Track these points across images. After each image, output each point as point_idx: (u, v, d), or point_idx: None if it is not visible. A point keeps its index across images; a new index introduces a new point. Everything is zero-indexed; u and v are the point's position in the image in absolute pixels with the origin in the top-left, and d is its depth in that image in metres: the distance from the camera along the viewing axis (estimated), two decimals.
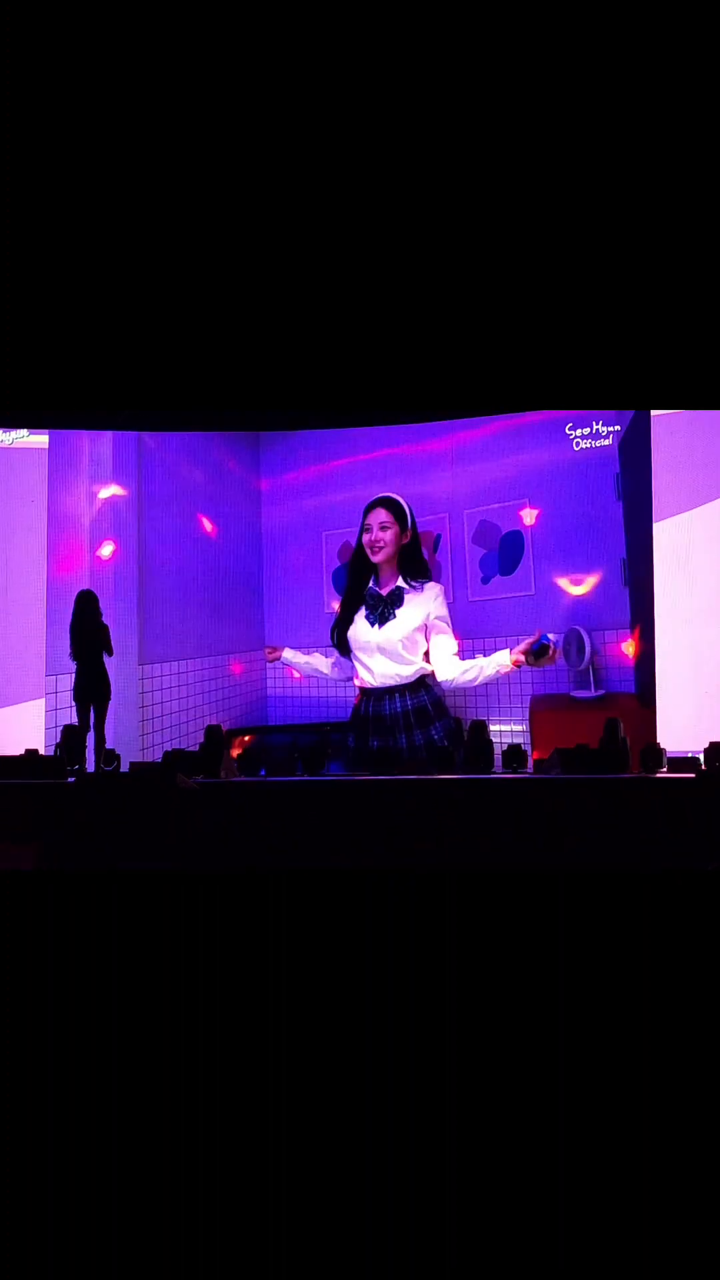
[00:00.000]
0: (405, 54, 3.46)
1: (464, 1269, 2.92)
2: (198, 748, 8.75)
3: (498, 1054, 3.07)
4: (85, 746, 7.72)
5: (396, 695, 8.29)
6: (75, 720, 8.01)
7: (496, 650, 8.25)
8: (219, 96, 3.50)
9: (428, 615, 8.29)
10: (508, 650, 8.11)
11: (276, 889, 3.17)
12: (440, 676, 8.27)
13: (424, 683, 8.33)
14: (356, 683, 8.52)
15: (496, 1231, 2.95)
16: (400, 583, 8.30)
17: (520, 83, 3.51)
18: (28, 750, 8.37)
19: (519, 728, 8.98)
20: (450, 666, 8.23)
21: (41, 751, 9.33)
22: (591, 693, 8.74)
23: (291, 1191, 3.00)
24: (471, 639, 8.88)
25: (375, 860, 5.08)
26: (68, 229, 3.54)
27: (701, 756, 7.49)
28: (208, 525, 9.63)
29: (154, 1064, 3.07)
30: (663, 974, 3.06)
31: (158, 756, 8.00)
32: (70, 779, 7.22)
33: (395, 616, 8.23)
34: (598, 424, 9.11)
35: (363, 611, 8.32)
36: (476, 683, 8.25)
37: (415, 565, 8.30)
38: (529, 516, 9.13)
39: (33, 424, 10.21)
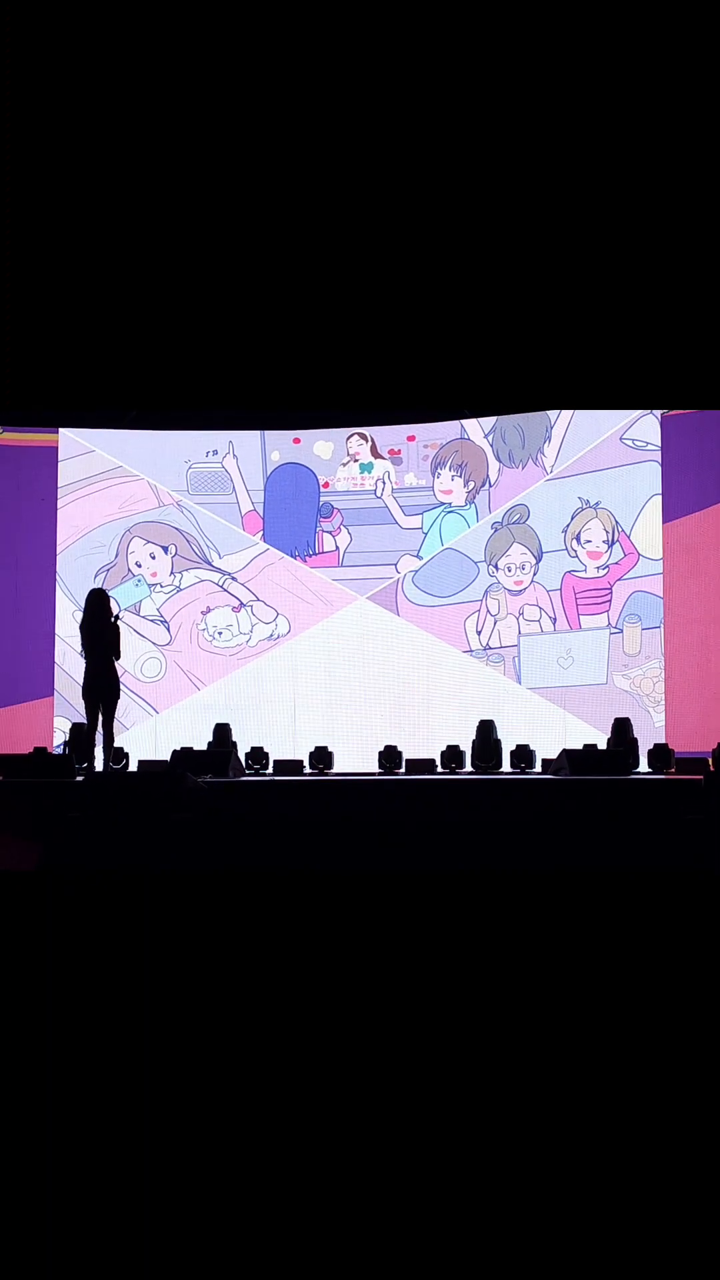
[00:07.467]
0: (416, 57, 3.46)
1: (464, 1268, 2.93)
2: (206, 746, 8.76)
3: (498, 1053, 3.07)
4: (94, 745, 7.72)
5: None
6: (84, 718, 8.01)
7: None
8: (223, 102, 3.51)
9: None
10: None
11: (278, 891, 3.18)
12: None
13: None
14: None
15: (497, 1231, 2.95)
16: None
17: (530, 95, 3.51)
18: (36, 748, 8.39)
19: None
20: None
21: (50, 750, 9.37)
22: None
23: (290, 1191, 3.00)
24: None
25: (382, 860, 5.09)
26: (68, 232, 3.56)
27: (710, 758, 7.46)
28: None
29: (155, 1063, 3.07)
30: (662, 974, 3.06)
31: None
32: (78, 777, 7.23)
33: None
34: None
35: None
36: None
37: None
38: None
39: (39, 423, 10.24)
